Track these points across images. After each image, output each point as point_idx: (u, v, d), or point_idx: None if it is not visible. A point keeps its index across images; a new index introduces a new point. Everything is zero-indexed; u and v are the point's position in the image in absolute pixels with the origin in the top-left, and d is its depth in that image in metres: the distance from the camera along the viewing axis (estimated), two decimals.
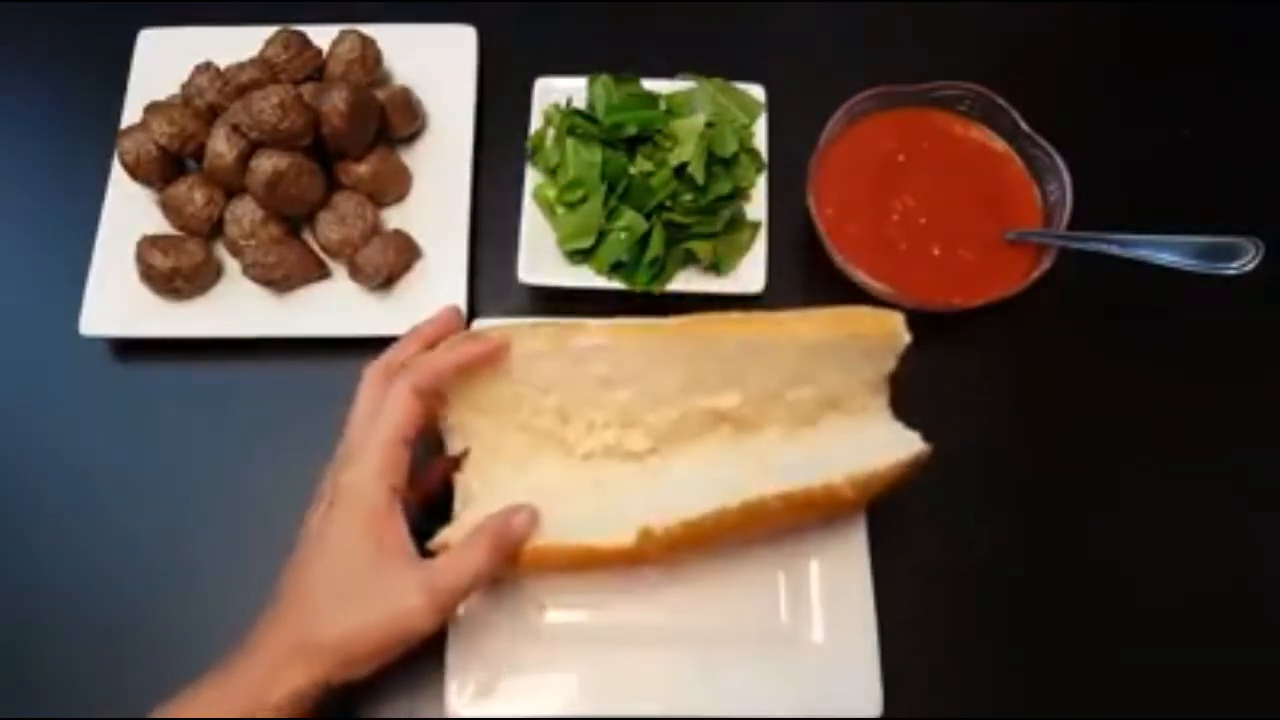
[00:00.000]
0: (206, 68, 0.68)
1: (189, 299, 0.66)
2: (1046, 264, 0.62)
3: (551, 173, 0.67)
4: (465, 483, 0.55)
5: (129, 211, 0.68)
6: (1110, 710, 0.59)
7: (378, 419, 0.51)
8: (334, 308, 0.66)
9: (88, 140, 0.70)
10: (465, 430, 0.55)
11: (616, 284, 0.65)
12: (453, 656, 0.56)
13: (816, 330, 0.54)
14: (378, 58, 0.70)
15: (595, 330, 0.53)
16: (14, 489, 0.65)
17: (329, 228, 0.66)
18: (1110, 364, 0.67)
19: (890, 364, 0.56)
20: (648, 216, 0.64)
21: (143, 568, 0.62)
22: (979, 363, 0.67)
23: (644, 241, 0.64)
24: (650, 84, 0.69)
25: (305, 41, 0.69)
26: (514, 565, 0.52)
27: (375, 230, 0.67)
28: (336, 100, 0.64)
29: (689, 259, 0.65)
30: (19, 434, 0.67)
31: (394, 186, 0.69)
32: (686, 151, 0.64)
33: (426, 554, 0.51)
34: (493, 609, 0.57)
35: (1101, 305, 0.68)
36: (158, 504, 0.64)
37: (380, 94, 0.68)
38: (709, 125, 0.65)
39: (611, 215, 0.64)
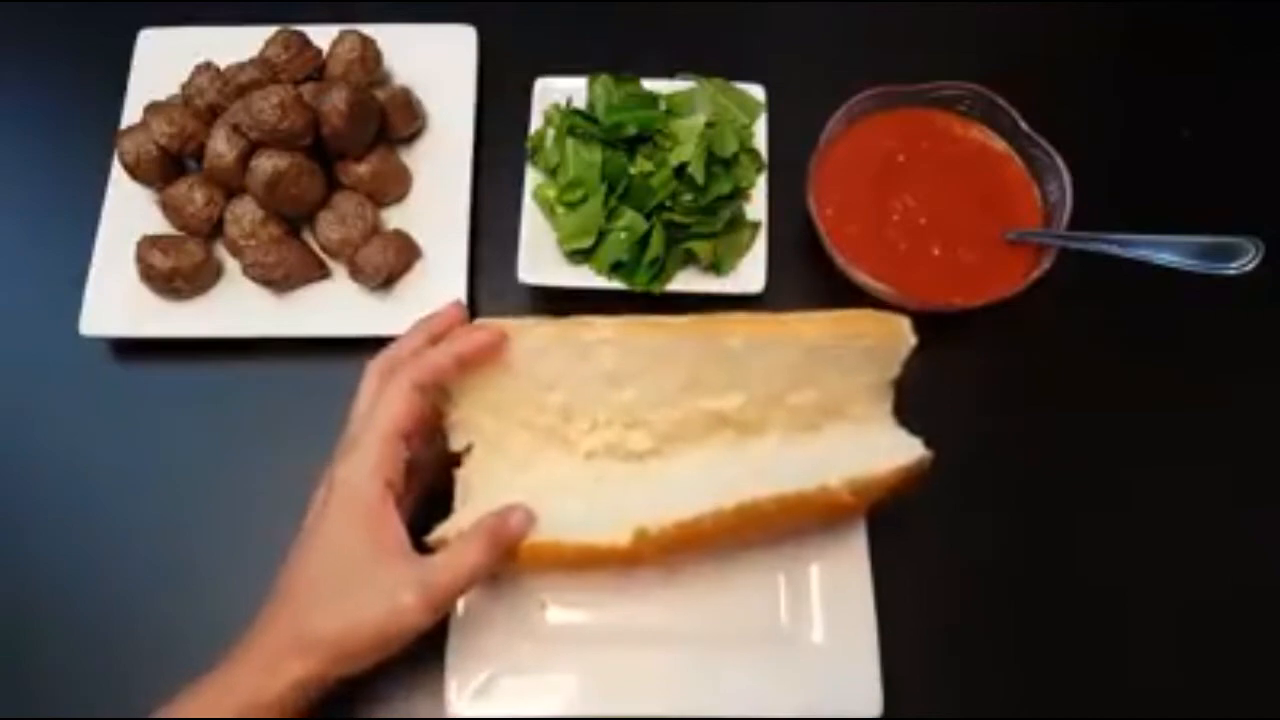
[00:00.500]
0: (206, 68, 0.68)
1: (189, 299, 0.66)
2: (1046, 264, 0.62)
3: (551, 173, 0.67)
4: (466, 479, 0.55)
5: (129, 211, 0.68)
6: (1110, 710, 0.59)
7: (375, 413, 0.51)
8: (334, 308, 0.66)
9: (88, 140, 0.70)
10: (468, 426, 0.55)
11: (616, 284, 0.65)
12: (453, 656, 0.56)
13: (821, 332, 0.54)
14: (378, 58, 0.70)
15: (602, 326, 0.53)
16: (14, 489, 0.65)
17: (329, 228, 0.66)
18: (1110, 364, 0.67)
19: (895, 369, 0.56)
20: (648, 216, 0.64)
21: (142, 567, 0.62)
22: (979, 363, 0.67)
23: (644, 241, 0.64)
24: (650, 84, 0.69)
25: (305, 41, 0.70)
26: (510, 563, 0.52)
27: (375, 230, 0.67)
28: (336, 100, 0.64)
29: (689, 259, 0.65)
30: (19, 434, 0.67)
31: (394, 186, 0.69)
32: (686, 151, 0.64)
33: (424, 549, 0.51)
34: (493, 608, 0.57)
35: (1101, 305, 0.68)
36: (157, 504, 0.64)
37: (380, 94, 0.68)
38: (709, 125, 0.65)
39: (611, 215, 0.64)
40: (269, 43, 0.69)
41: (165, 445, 0.66)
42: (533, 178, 0.68)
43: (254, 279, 0.65)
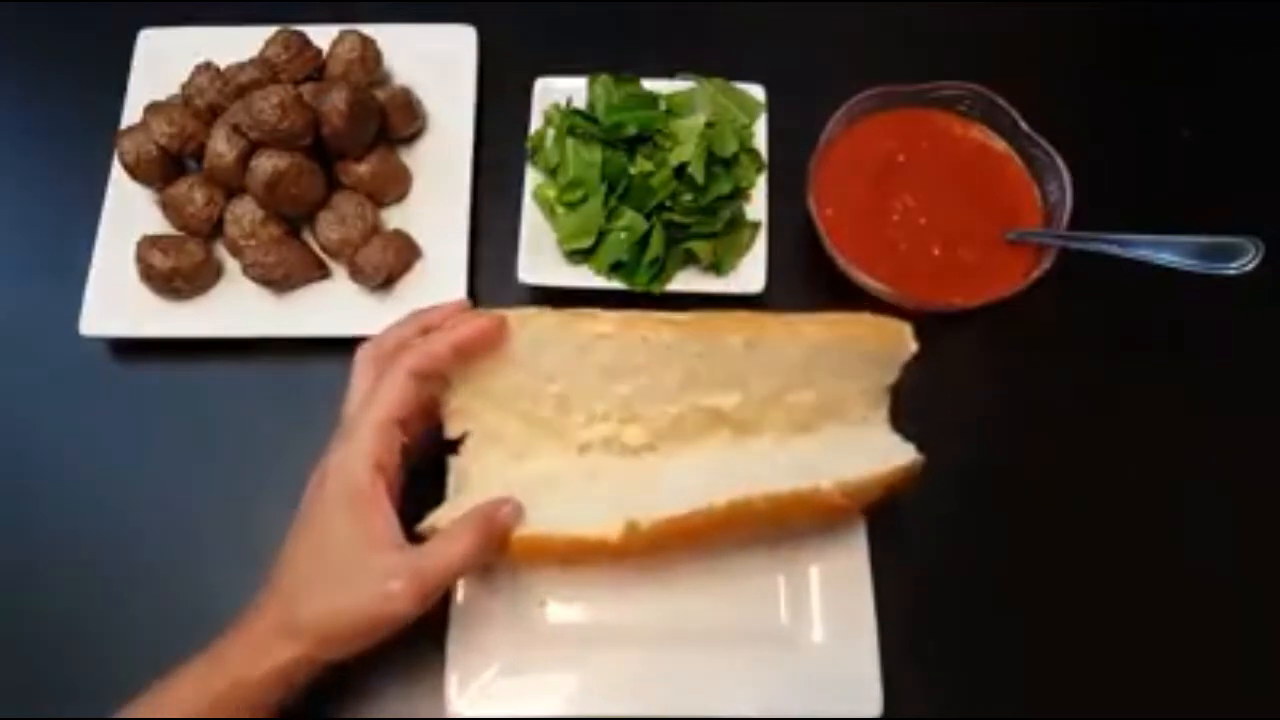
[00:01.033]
0: (206, 68, 0.68)
1: (189, 299, 0.66)
2: (1046, 264, 0.62)
3: (551, 173, 0.67)
4: (461, 467, 0.55)
5: (129, 211, 0.68)
6: (1110, 711, 0.59)
7: (371, 400, 0.51)
8: (334, 308, 0.66)
9: (88, 140, 0.70)
10: (466, 415, 0.55)
11: (616, 284, 0.65)
12: (452, 655, 0.56)
13: (821, 334, 0.54)
14: (378, 58, 0.70)
15: (603, 319, 0.54)
16: (14, 488, 0.65)
17: (329, 228, 0.66)
18: (1110, 364, 0.67)
19: (893, 374, 0.56)
20: (648, 216, 0.64)
21: (142, 567, 0.62)
22: (979, 363, 0.67)
23: (644, 241, 0.64)
24: (650, 84, 0.69)
25: (305, 41, 0.70)
26: (501, 554, 0.52)
27: (375, 230, 0.67)
28: (336, 100, 0.64)
29: (689, 259, 0.65)
30: (19, 434, 0.67)
31: (394, 186, 0.69)
32: (686, 151, 0.64)
33: (415, 536, 0.51)
34: (493, 607, 0.57)
35: (1101, 305, 0.68)
36: (157, 503, 0.64)
37: (380, 94, 0.68)
38: (709, 125, 0.65)
39: (611, 215, 0.64)
40: (269, 43, 0.69)
41: (165, 445, 0.66)
42: (533, 178, 0.68)
43: (254, 279, 0.65)
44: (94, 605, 0.62)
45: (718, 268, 0.65)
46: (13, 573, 0.63)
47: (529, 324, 0.53)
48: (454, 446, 0.56)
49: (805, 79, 0.70)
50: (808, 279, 0.68)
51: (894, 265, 0.64)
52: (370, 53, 0.70)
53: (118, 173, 0.68)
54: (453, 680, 0.56)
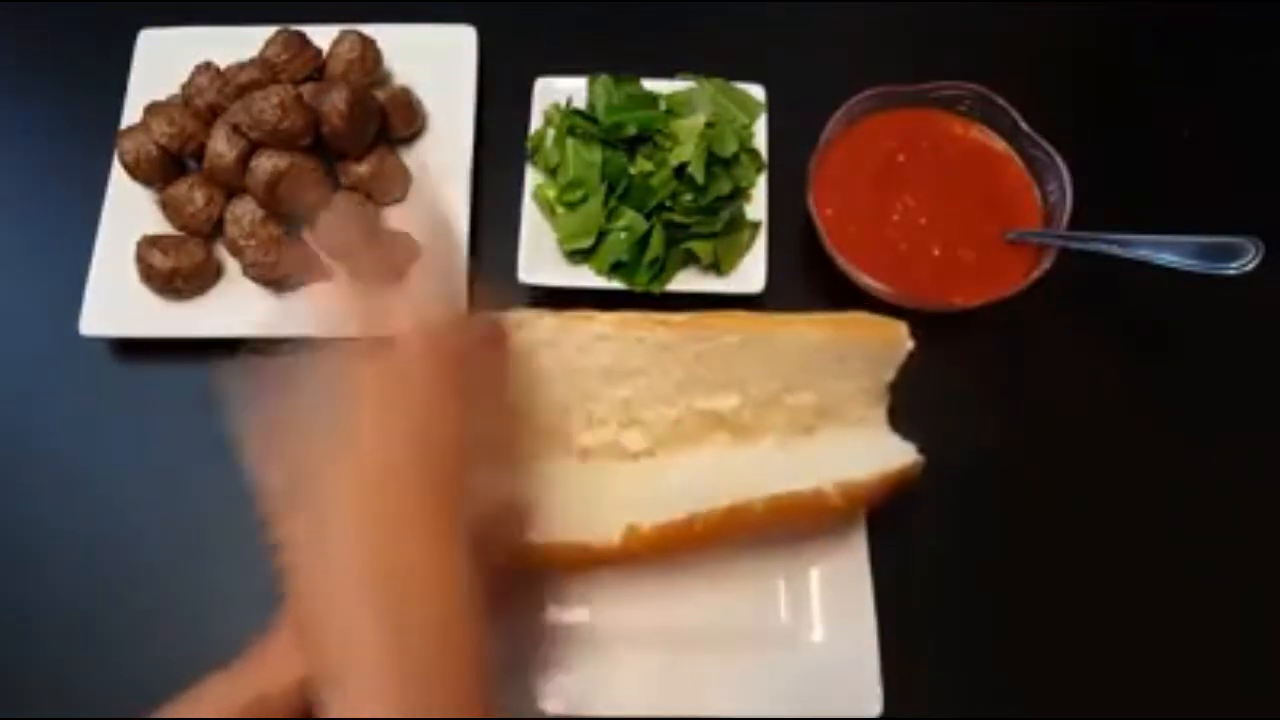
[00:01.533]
0: (206, 68, 0.68)
1: (189, 299, 0.66)
2: (1046, 264, 0.62)
3: (551, 173, 0.67)
4: None
5: (129, 211, 0.68)
6: (1110, 710, 0.59)
7: None
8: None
9: (88, 140, 0.70)
10: None
11: (616, 284, 0.65)
12: None
13: (818, 334, 0.54)
14: (378, 58, 0.70)
15: (601, 321, 0.54)
16: (13, 489, 0.65)
17: None
18: (1110, 364, 0.67)
19: (891, 372, 0.56)
20: (648, 216, 0.64)
21: (142, 567, 0.62)
22: (979, 362, 0.67)
23: (644, 241, 0.64)
24: (650, 84, 0.69)
25: (305, 41, 0.69)
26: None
27: (375, 230, 0.67)
28: (336, 100, 0.64)
29: (689, 259, 0.65)
30: (19, 434, 0.67)
31: (394, 186, 0.69)
32: (686, 151, 0.64)
33: None
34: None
35: (1101, 305, 0.68)
36: (158, 504, 0.64)
37: (380, 94, 0.68)
38: (709, 125, 0.65)
39: (611, 215, 0.64)
40: (269, 43, 0.69)
41: (165, 445, 0.66)
42: (533, 178, 0.68)
43: (254, 279, 0.65)
44: (95, 605, 0.62)
45: (718, 268, 0.65)
46: (13, 572, 0.63)
47: (527, 327, 0.53)
48: None
49: (805, 79, 0.70)
50: (808, 279, 0.68)
51: (894, 265, 0.64)
52: (370, 53, 0.70)
53: (118, 173, 0.68)
54: None
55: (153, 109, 0.67)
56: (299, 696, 0.48)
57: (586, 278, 0.65)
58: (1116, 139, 0.72)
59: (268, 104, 0.63)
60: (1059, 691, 0.60)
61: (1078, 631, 0.61)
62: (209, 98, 0.67)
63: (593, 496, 0.55)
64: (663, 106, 0.67)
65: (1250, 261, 0.58)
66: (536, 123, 0.68)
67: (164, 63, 0.70)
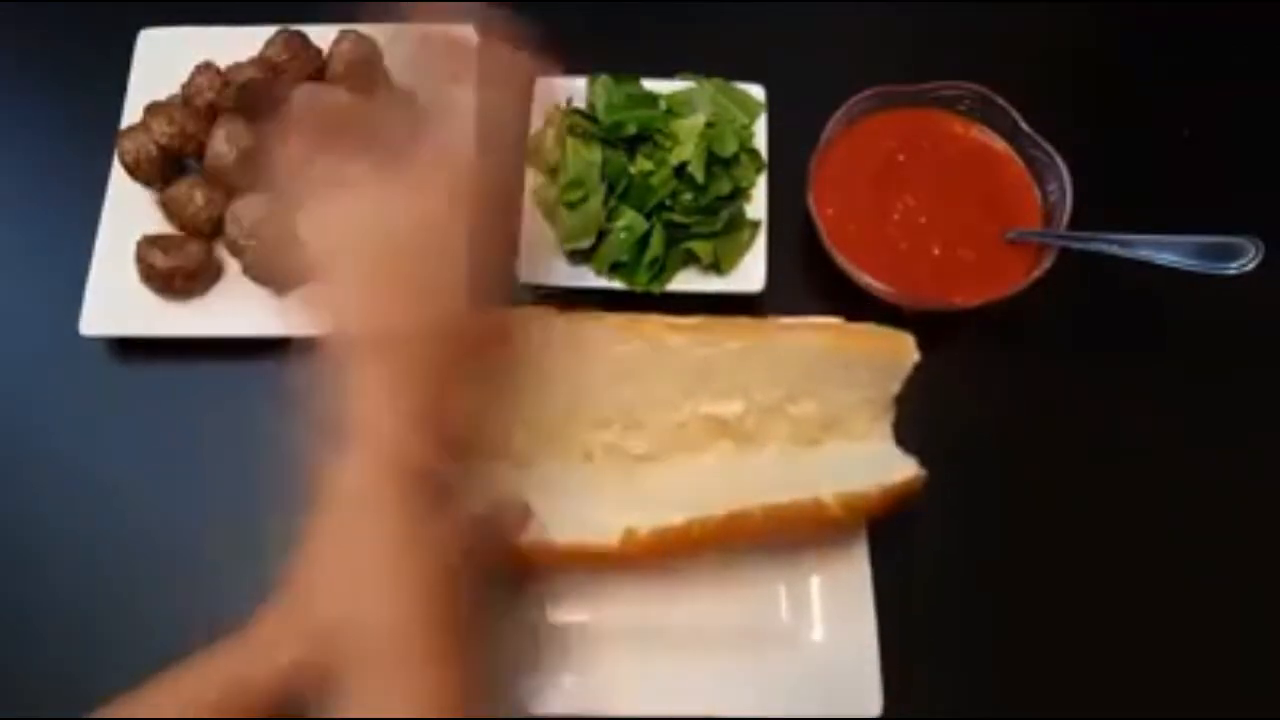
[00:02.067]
0: (206, 68, 0.68)
1: (189, 299, 0.66)
2: (1046, 264, 0.62)
3: (551, 173, 0.67)
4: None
5: (129, 211, 0.68)
6: (1110, 711, 0.59)
7: None
8: None
9: (88, 140, 0.70)
10: None
11: (616, 284, 0.65)
12: None
13: (825, 343, 0.54)
14: (378, 58, 0.70)
15: (609, 321, 0.54)
16: (14, 489, 0.65)
17: None
18: (1110, 364, 0.67)
19: (897, 385, 0.56)
20: (648, 216, 0.64)
21: (142, 567, 0.62)
22: (979, 362, 0.67)
23: (644, 241, 0.64)
24: (650, 84, 0.69)
25: (305, 41, 0.69)
26: (509, 561, 0.52)
27: None
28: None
29: (689, 259, 0.65)
30: (19, 434, 0.67)
31: None
32: (686, 151, 0.64)
33: None
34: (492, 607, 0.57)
35: (1102, 305, 0.68)
36: (158, 504, 0.64)
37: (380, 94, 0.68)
38: (709, 125, 0.65)
39: (611, 215, 0.64)
40: (269, 43, 0.69)
41: (165, 445, 0.66)
42: (533, 178, 0.68)
43: (254, 279, 0.65)
44: (94, 605, 0.62)
45: (718, 267, 0.65)
46: (12, 572, 0.63)
47: (534, 325, 0.53)
48: None
49: (805, 79, 0.70)
50: (808, 279, 0.68)
51: (894, 265, 0.64)
52: (370, 53, 0.69)
53: (118, 173, 0.68)
54: None
55: (153, 109, 0.67)
56: (284, 682, 0.48)
57: (586, 278, 0.65)
58: (1116, 139, 0.72)
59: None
60: (1059, 691, 0.60)
61: (1078, 632, 0.61)
62: (209, 98, 0.67)
63: (592, 497, 0.55)
64: (663, 106, 0.67)
65: (1250, 261, 0.58)
66: (536, 123, 0.68)
67: (164, 63, 0.70)
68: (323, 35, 0.70)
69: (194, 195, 0.66)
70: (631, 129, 0.65)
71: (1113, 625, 0.61)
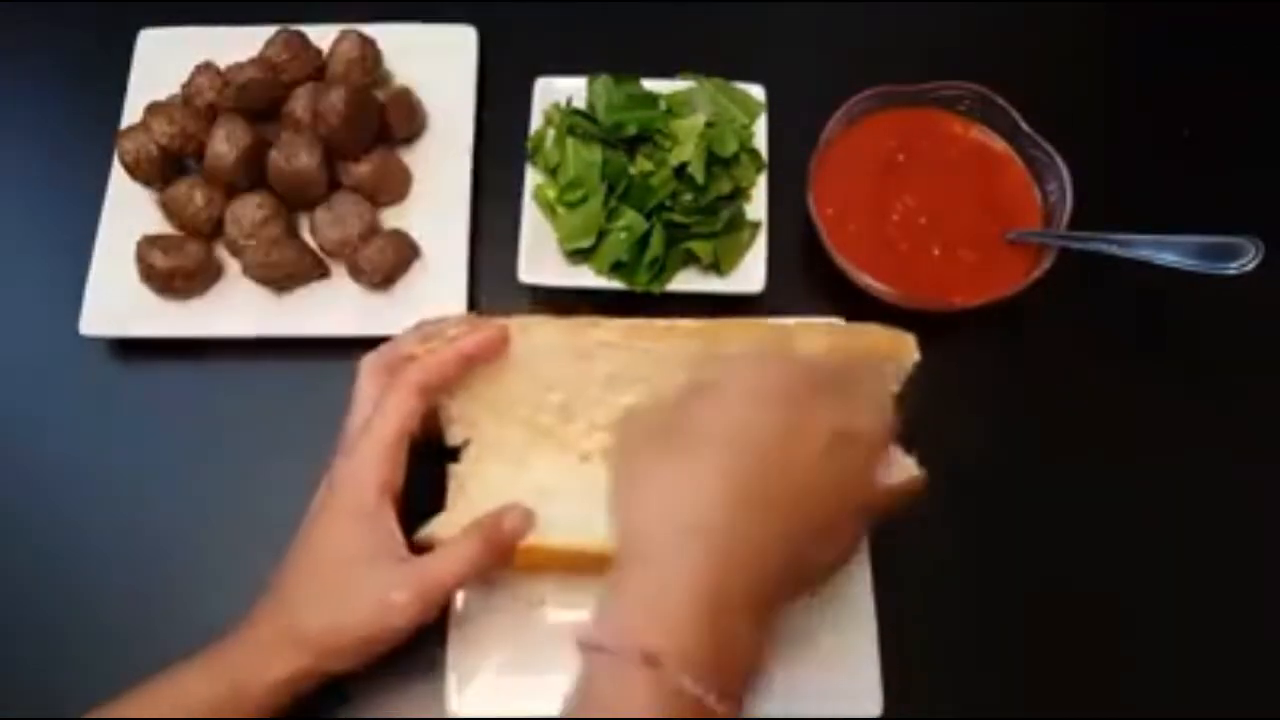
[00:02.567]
0: (206, 68, 0.68)
1: (189, 299, 0.66)
2: (1046, 264, 0.62)
3: (551, 173, 0.67)
4: (461, 476, 0.55)
5: (129, 211, 0.68)
6: (1110, 711, 0.59)
7: (377, 416, 0.51)
8: (334, 308, 0.66)
9: (88, 140, 0.70)
10: (466, 423, 0.55)
11: (616, 284, 0.65)
12: (452, 656, 0.56)
13: (825, 343, 0.54)
14: (378, 58, 0.70)
15: (606, 328, 0.53)
16: (14, 489, 0.65)
17: (327, 227, 0.66)
18: (1110, 364, 0.67)
19: (896, 385, 0.56)
20: (648, 216, 0.64)
21: (143, 567, 0.62)
22: (979, 363, 0.67)
23: (644, 241, 0.64)
24: (650, 84, 0.69)
25: (305, 41, 0.70)
26: (505, 565, 0.52)
27: (374, 230, 0.67)
28: (335, 100, 0.64)
29: (689, 259, 0.65)
30: (19, 434, 0.67)
31: (394, 187, 0.69)
32: (686, 151, 0.64)
33: (414, 547, 0.51)
34: (492, 607, 0.57)
35: (1102, 305, 0.68)
36: (157, 504, 0.64)
37: (380, 94, 0.68)
38: (709, 125, 0.65)
39: (611, 215, 0.64)
40: (269, 43, 0.69)
41: (165, 445, 0.66)
42: (533, 178, 0.68)
43: (255, 279, 0.65)
44: (95, 605, 0.62)
45: (718, 268, 0.65)
46: (13, 572, 0.63)
47: (530, 332, 0.53)
48: (454, 455, 0.56)
49: (805, 79, 0.70)
50: (808, 279, 0.68)
51: (894, 265, 0.64)
52: (370, 53, 0.70)
53: (118, 173, 0.68)
54: (453, 680, 0.56)
55: (153, 109, 0.67)
56: (280, 692, 0.48)
57: (586, 278, 0.65)
58: (1116, 139, 0.72)
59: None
60: (1059, 691, 0.60)
61: (1078, 632, 0.61)
62: (209, 98, 0.67)
63: (593, 501, 0.54)
64: (663, 106, 0.67)
65: (1250, 261, 0.58)
66: (536, 123, 0.68)
67: (164, 63, 0.70)
68: (323, 35, 0.70)
69: (194, 195, 0.66)
70: (631, 129, 0.65)
71: (1113, 625, 0.61)
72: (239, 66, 0.68)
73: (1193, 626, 0.61)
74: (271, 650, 0.49)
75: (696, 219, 0.64)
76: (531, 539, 0.52)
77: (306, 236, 0.68)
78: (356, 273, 0.65)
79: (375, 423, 0.51)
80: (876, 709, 0.55)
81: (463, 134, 0.70)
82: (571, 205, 0.65)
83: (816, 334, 0.54)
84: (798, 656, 0.57)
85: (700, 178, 0.64)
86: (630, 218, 0.64)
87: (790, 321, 0.58)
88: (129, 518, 0.64)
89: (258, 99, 0.67)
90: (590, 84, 0.68)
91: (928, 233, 0.66)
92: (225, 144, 0.65)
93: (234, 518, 0.63)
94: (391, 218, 0.69)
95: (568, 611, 0.58)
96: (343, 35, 0.69)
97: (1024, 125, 0.66)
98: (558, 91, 0.69)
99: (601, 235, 0.64)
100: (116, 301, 0.65)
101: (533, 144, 0.68)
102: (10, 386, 0.68)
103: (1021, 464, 0.65)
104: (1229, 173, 0.72)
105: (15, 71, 0.77)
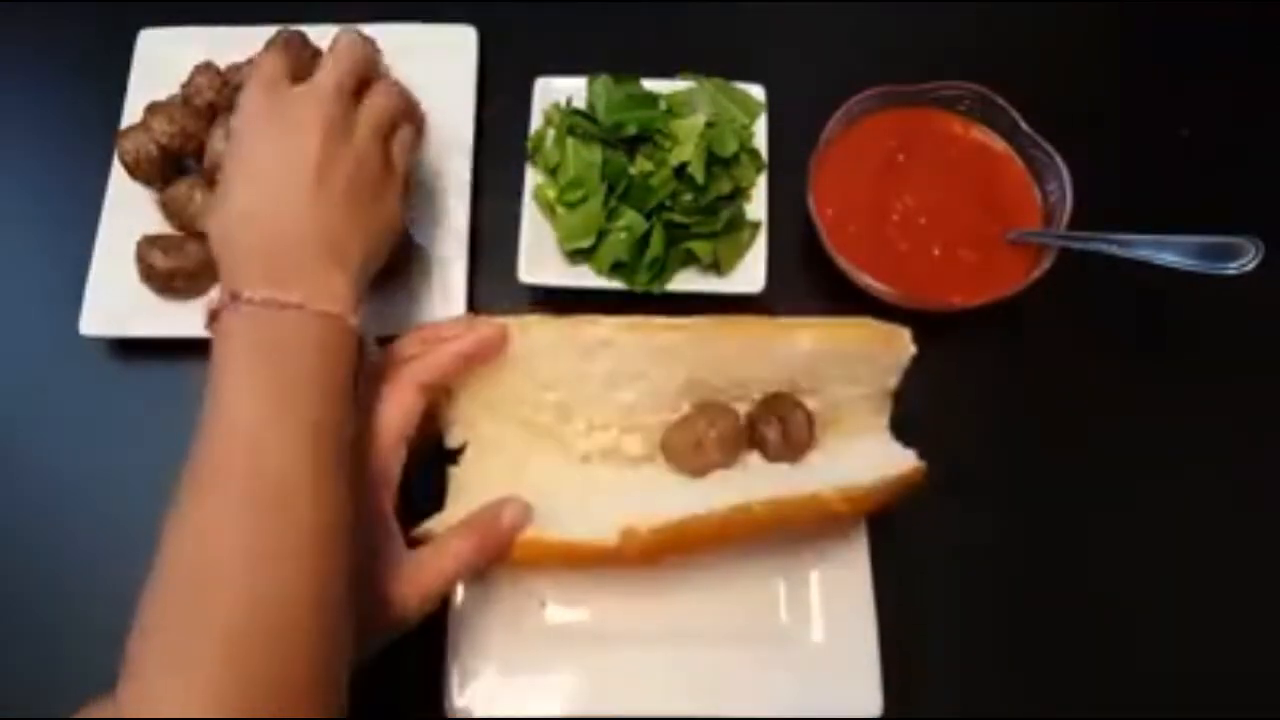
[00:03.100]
0: (206, 68, 0.68)
1: (189, 299, 0.66)
2: (1046, 264, 0.62)
3: (551, 173, 0.67)
4: (460, 476, 0.55)
5: (129, 211, 0.68)
6: (1110, 711, 0.59)
7: (377, 416, 0.51)
8: None
9: (88, 140, 0.70)
10: (465, 424, 0.55)
11: (616, 284, 0.65)
12: (452, 655, 0.56)
13: (821, 339, 0.54)
14: (378, 58, 0.70)
15: (603, 326, 0.53)
16: (14, 489, 0.65)
17: None
18: (1110, 364, 0.67)
19: (894, 379, 0.56)
20: (648, 216, 0.64)
21: (142, 567, 0.62)
22: (979, 363, 0.67)
23: (644, 241, 0.64)
24: (650, 84, 0.69)
25: (305, 41, 0.69)
26: (503, 560, 0.52)
27: None
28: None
29: (689, 259, 0.65)
30: (19, 434, 0.67)
31: None
32: (686, 151, 0.64)
33: (411, 542, 0.51)
34: (493, 608, 0.57)
35: (1101, 305, 0.68)
36: (158, 504, 0.64)
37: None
38: (709, 125, 0.65)
39: (611, 215, 0.64)
40: (269, 43, 0.69)
41: (166, 445, 0.65)
42: (533, 178, 0.68)
43: None
44: (94, 605, 0.61)
45: (718, 268, 0.65)
46: (12, 573, 0.63)
47: (529, 331, 0.53)
48: (454, 456, 0.56)
49: (805, 79, 0.70)
50: (808, 279, 0.68)
51: (894, 265, 0.64)
52: (370, 53, 0.69)
53: (118, 173, 0.68)
54: (453, 680, 0.56)
55: (153, 109, 0.67)
56: None
57: (586, 278, 0.65)
58: (1116, 139, 0.72)
59: None
60: (1059, 691, 0.60)
61: (1078, 631, 0.61)
62: (209, 98, 0.67)
63: (591, 496, 0.54)
64: (663, 106, 0.67)
65: (1250, 261, 0.58)
66: (536, 123, 0.68)
67: (164, 63, 0.70)
68: (323, 35, 0.70)
69: (194, 195, 0.66)
70: (631, 129, 0.65)
71: (1112, 624, 0.61)
72: (239, 66, 0.68)
73: (1193, 626, 0.61)
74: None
75: (696, 219, 0.64)
76: (530, 532, 0.52)
77: None
78: None
79: (374, 421, 0.51)
80: (876, 709, 0.55)
81: (463, 134, 0.70)
82: (571, 205, 0.65)
83: (809, 329, 0.55)
84: (798, 656, 0.57)
85: (700, 178, 0.64)
86: (630, 218, 0.64)
87: (785, 320, 0.58)
88: (128, 517, 0.64)
89: None
90: (590, 84, 0.68)
91: (928, 233, 0.66)
92: (225, 144, 0.65)
93: None
94: None
95: (568, 611, 0.58)
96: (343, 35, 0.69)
97: (1024, 125, 0.66)
98: (558, 91, 0.69)
99: (601, 235, 0.64)
100: (116, 301, 0.65)
101: (533, 144, 0.68)
102: (10, 386, 0.68)
103: (1021, 463, 0.65)
104: (1229, 173, 0.72)
105: (15, 71, 0.77)
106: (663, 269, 0.64)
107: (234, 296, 0.49)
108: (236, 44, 0.69)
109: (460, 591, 0.57)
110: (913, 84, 0.68)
